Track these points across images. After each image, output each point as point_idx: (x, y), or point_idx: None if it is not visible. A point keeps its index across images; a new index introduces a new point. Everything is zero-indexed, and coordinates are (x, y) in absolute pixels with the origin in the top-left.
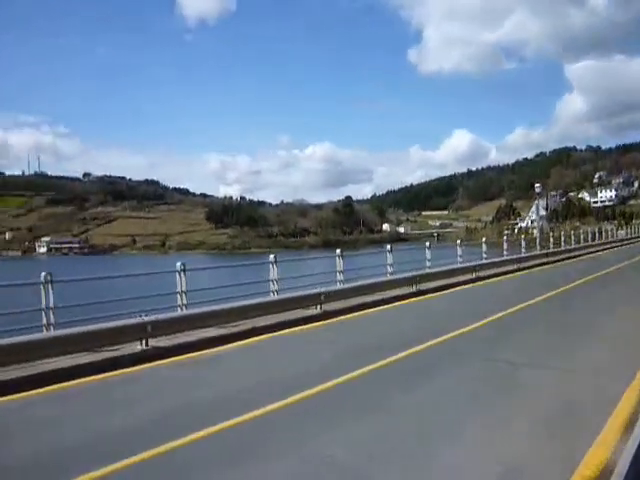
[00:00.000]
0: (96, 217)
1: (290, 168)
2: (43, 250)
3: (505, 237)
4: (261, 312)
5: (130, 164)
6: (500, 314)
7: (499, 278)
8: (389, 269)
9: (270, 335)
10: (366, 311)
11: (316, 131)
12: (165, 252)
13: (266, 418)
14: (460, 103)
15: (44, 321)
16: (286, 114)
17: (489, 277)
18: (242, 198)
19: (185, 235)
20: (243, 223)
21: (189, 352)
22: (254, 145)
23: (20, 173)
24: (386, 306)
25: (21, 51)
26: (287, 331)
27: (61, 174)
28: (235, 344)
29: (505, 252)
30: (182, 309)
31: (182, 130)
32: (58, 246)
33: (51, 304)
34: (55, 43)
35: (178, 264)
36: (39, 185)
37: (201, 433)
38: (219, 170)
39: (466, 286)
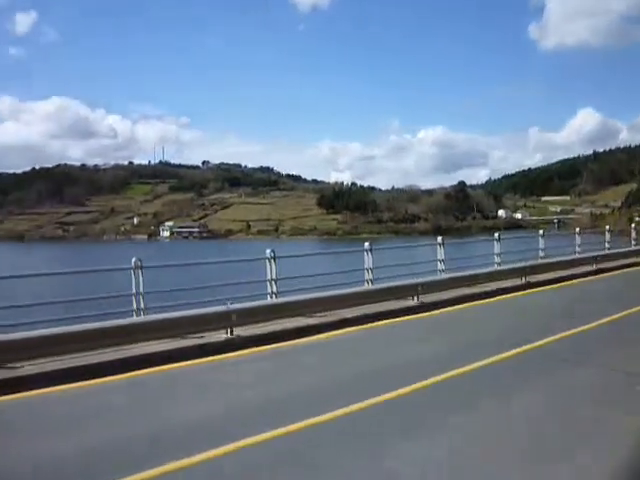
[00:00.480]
0: (214, 203)
1: (401, 153)
2: (166, 234)
3: (633, 225)
4: (353, 302)
5: (245, 152)
6: (619, 314)
7: (623, 271)
8: (496, 259)
9: (362, 327)
10: (467, 304)
11: (429, 114)
12: (278, 237)
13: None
14: (585, 80)
15: (134, 306)
16: (398, 97)
17: (612, 269)
18: (353, 184)
19: (297, 220)
20: (353, 209)
21: (274, 342)
22: (365, 131)
23: (147, 162)
24: (490, 299)
25: (144, 44)
26: (380, 323)
27: (182, 162)
28: (324, 335)
29: (633, 242)
30: (272, 297)
31: (296, 118)
32: (179, 230)
33: (141, 289)
34: (175, 34)
35: (268, 251)
36: (163, 173)
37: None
38: (331, 156)
39: (584, 279)
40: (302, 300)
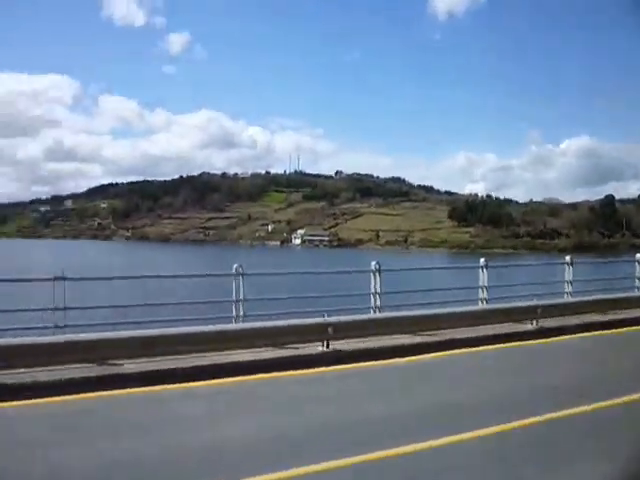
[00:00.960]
0: (345, 212)
1: (541, 164)
2: (297, 242)
3: None
4: (463, 322)
5: (377, 162)
6: None
7: None
8: (638, 282)
9: (469, 350)
10: (594, 332)
11: (571, 123)
12: (407, 248)
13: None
14: None
15: (234, 312)
16: (538, 107)
17: None
18: (488, 196)
19: (427, 232)
20: (487, 222)
21: (371, 359)
22: (500, 141)
23: (283, 172)
24: (622, 329)
25: (284, 62)
26: (491, 347)
27: (316, 172)
28: (425, 356)
29: None
30: (375, 311)
31: (429, 128)
32: (310, 238)
33: (241, 296)
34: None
35: (373, 263)
36: (297, 182)
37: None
38: (465, 167)
39: None
40: (405, 316)
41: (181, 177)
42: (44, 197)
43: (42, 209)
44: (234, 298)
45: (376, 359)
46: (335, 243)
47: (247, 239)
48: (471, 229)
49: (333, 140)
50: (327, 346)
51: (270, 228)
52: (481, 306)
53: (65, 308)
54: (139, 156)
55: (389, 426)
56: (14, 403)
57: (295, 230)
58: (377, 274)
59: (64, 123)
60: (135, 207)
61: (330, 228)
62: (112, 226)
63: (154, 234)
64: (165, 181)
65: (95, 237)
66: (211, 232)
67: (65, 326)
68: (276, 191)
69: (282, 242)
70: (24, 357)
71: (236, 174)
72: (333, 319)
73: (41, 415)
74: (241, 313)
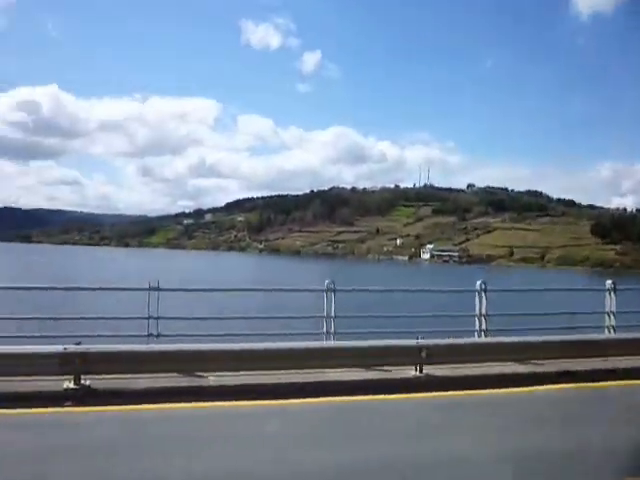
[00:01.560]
0: (476, 227)
1: None
2: (426, 257)
3: None
4: (584, 352)
5: (512, 176)
6: None
7: None
8: None
9: (585, 385)
10: None
11: None
12: (543, 266)
13: None
14: None
15: (324, 329)
16: None
17: None
18: (638, 210)
19: (567, 249)
20: (636, 239)
21: (469, 388)
22: None
23: (412, 185)
24: None
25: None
26: (613, 383)
27: (446, 186)
28: (537, 388)
29: None
30: (480, 335)
31: (570, 137)
32: (439, 254)
33: (332, 313)
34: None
35: (478, 283)
36: (427, 196)
37: None
38: (611, 179)
39: None
40: (511, 343)
41: (312, 191)
42: (188, 211)
43: (186, 222)
44: (325, 314)
45: (475, 388)
46: (465, 259)
47: (375, 253)
48: (617, 247)
49: (465, 153)
50: (420, 370)
51: (398, 242)
52: (607, 335)
53: (158, 318)
54: (273, 171)
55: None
56: (102, 408)
57: (424, 245)
58: (482, 294)
59: (206, 142)
60: (268, 220)
61: (460, 243)
62: (247, 239)
63: (285, 247)
64: (297, 195)
65: (231, 249)
66: (340, 245)
67: (159, 335)
68: (405, 205)
69: (410, 257)
70: (118, 364)
71: (365, 188)
72: (427, 341)
73: (122, 422)
74: (332, 330)
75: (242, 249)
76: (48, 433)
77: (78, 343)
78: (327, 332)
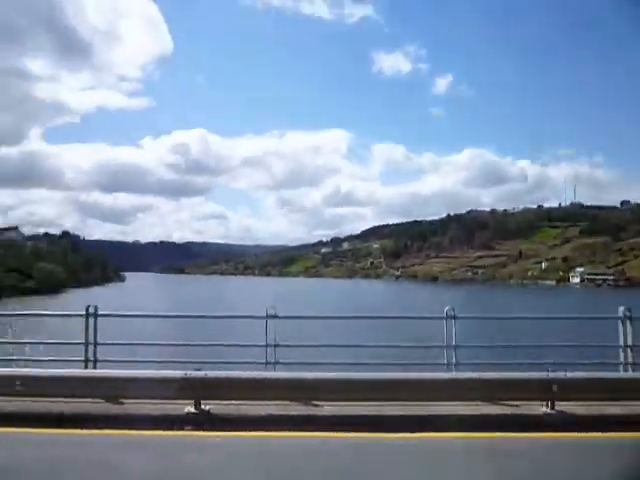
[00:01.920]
0: (633, 247)
1: None
2: (576, 280)
3: None
4: None
5: None
6: None
7: None
8: None
9: None
10: None
11: None
12: None
13: None
14: None
15: (445, 360)
16: None
17: None
18: None
19: None
20: None
21: (610, 430)
22: None
23: (557, 205)
24: None
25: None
26: None
27: (597, 204)
28: None
29: None
30: (626, 369)
31: None
32: (591, 277)
33: (453, 342)
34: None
35: (621, 309)
36: (574, 216)
37: None
38: None
39: None
40: None
41: (448, 216)
42: (325, 239)
43: (323, 250)
44: (444, 343)
45: (618, 430)
46: (621, 283)
47: (518, 278)
48: None
49: (615, 167)
50: (552, 407)
51: (544, 266)
52: None
53: (276, 345)
54: (408, 197)
55: None
56: (220, 433)
57: (573, 268)
58: (627, 322)
59: (341, 171)
60: (404, 247)
61: (615, 266)
62: (383, 265)
63: (422, 273)
64: (432, 221)
65: (367, 276)
66: (480, 271)
67: (276, 362)
68: (550, 226)
69: (558, 281)
70: (236, 391)
71: (505, 210)
72: (559, 375)
73: (239, 448)
74: (453, 360)
75: (378, 276)
76: (164, 455)
77: (198, 369)
78: (448, 363)
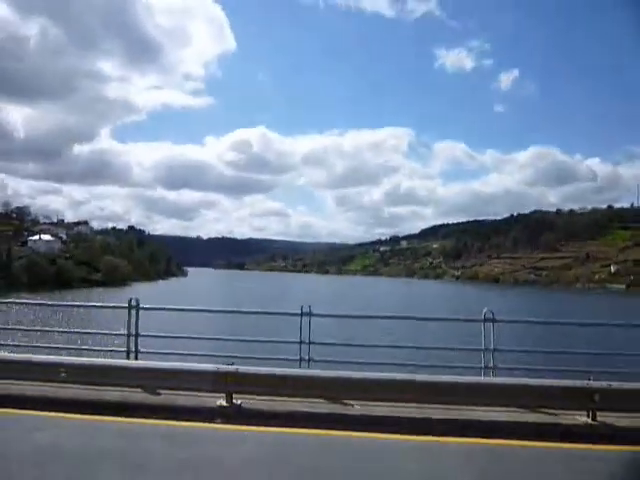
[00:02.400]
0: None
1: None
2: None
3: None
4: None
5: None
6: None
7: None
8: None
9: None
10: None
11: None
12: None
13: None
14: None
15: (482, 364)
16: None
17: None
18: None
19: None
20: None
21: None
22: None
23: (629, 205)
24: None
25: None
26: None
27: None
28: None
29: None
30: None
31: None
32: None
33: (491, 345)
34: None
35: None
36: None
37: None
38: None
39: None
40: None
41: (512, 216)
42: (384, 238)
43: (382, 249)
44: (483, 347)
45: None
46: None
47: (584, 281)
48: None
49: None
50: (593, 417)
51: (613, 269)
52: None
53: (310, 343)
54: (469, 196)
55: None
56: (250, 427)
57: None
58: None
59: (401, 169)
60: (465, 247)
61: None
62: (443, 265)
63: (483, 274)
64: (495, 220)
65: (426, 276)
66: (543, 273)
67: (310, 360)
68: (621, 227)
69: (628, 285)
70: (268, 386)
71: (572, 210)
72: (601, 384)
73: (268, 443)
74: (491, 364)
75: (438, 276)
76: (193, 447)
77: (231, 364)
78: (486, 367)
